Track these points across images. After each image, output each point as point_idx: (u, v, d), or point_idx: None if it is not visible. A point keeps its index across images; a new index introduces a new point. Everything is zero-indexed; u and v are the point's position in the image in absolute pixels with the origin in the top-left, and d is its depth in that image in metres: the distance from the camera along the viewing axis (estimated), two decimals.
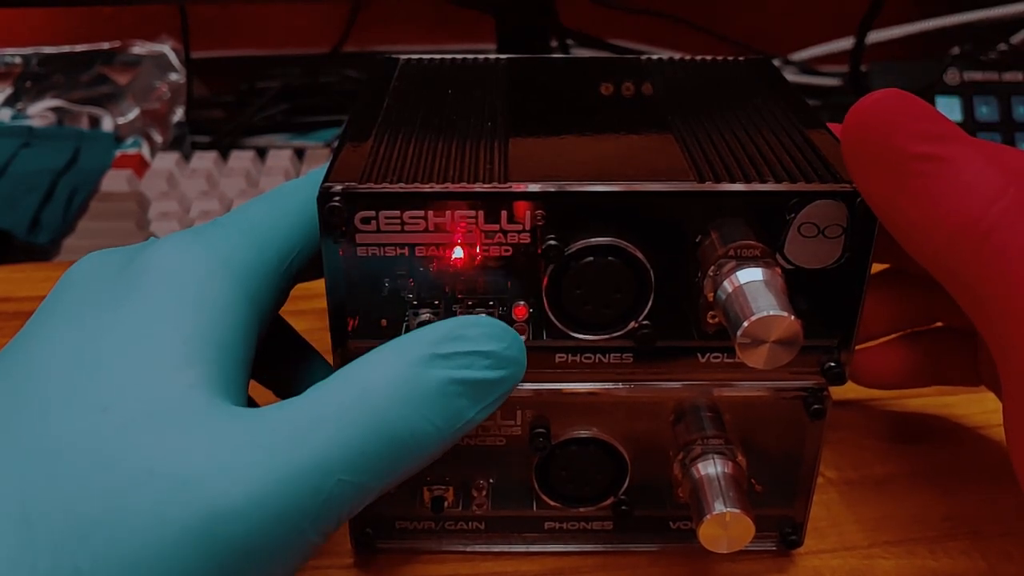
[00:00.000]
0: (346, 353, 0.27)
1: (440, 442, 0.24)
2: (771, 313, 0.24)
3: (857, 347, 0.35)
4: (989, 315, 0.23)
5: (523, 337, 0.27)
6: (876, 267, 0.35)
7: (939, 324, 0.35)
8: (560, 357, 0.28)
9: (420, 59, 0.35)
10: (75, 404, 0.22)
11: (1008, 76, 0.58)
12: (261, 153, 0.60)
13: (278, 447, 0.22)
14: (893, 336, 0.35)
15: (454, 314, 0.27)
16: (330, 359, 0.28)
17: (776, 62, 0.61)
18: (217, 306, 0.25)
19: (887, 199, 0.24)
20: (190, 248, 0.26)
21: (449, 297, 0.27)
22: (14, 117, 0.61)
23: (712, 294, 0.25)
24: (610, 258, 0.26)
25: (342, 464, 0.22)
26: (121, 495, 0.20)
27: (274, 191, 0.29)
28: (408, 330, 0.27)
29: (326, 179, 0.25)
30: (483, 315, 0.25)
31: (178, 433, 0.22)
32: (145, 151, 0.60)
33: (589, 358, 0.28)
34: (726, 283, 0.25)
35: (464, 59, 0.36)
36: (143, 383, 0.22)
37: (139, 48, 0.67)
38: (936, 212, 0.23)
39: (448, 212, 0.25)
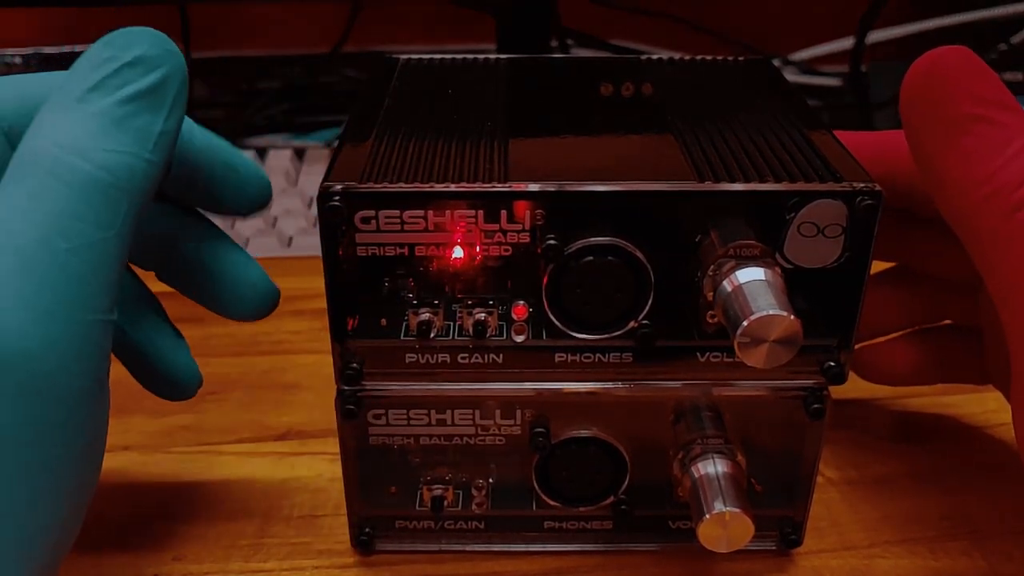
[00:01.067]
0: (346, 353, 0.27)
1: (151, 165, 0.23)
2: (771, 312, 0.24)
3: (866, 343, 0.35)
4: (1005, 285, 0.23)
5: (523, 337, 0.27)
6: (882, 265, 0.35)
7: (947, 322, 0.35)
8: (560, 357, 0.28)
9: (420, 59, 0.35)
10: None
11: (1008, 76, 0.58)
12: (261, 153, 0.60)
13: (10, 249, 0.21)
14: (902, 333, 0.35)
15: (454, 314, 0.27)
16: (328, 360, 0.28)
17: (776, 62, 0.61)
18: None
19: (934, 151, 0.25)
20: None
21: (449, 296, 0.27)
22: None
23: (712, 293, 0.25)
24: (610, 258, 0.26)
25: (70, 232, 0.21)
26: None
27: None
28: (408, 330, 0.27)
29: (326, 178, 0.25)
30: (113, 31, 0.24)
31: None
32: None
33: (589, 358, 0.28)
34: (726, 283, 0.25)
35: (464, 59, 0.36)
36: None
37: None
38: (977, 173, 0.24)
39: (448, 212, 0.25)
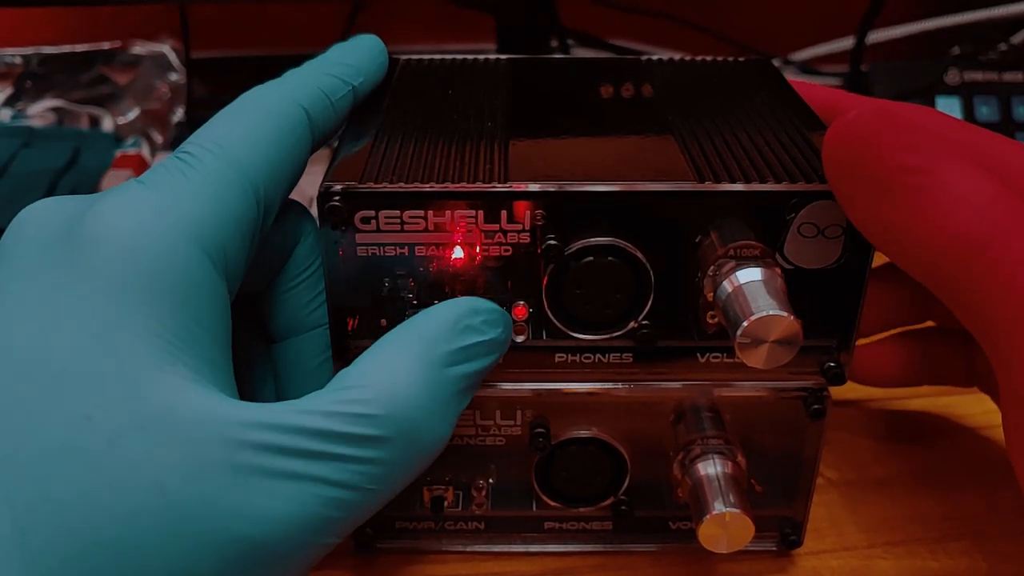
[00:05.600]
0: (346, 353, 0.27)
1: (447, 439, 0.24)
2: (770, 313, 0.24)
3: None
4: (988, 327, 0.23)
5: (523, 337, 0.27)
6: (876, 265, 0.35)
7: (931, 324, 0.35)
8: (560, 357, 0.28)
9: (420, 59, 0.35)
10: (54, 411, 0.20)
11: (1008, 76, 0.58)
12: None
13: (302, 467, 0.21)
14: (889, 334, 0.35)
15: None
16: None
17: (776, 62, 0.61)
18: (183, 282, 0.22)
19: (877, 215, 0.24)
20: (143, 209, 0.23)
21: (449, 297, 0.27)
22: (14, 117, 0.61)
23: (712, 294, 0.25)
24: (610, 258, 0.26)
25: (371, 487, 0.22)
26: (133, 518, 0.20)
27: (236, 105, 0.26)
28: None
29: (326, 178, 0.25)
30: (478, 299, 0.26)
31: (179, 447, 0.20)
32: (145, 151, 0.60)
33: (589, 358, 0.28)
34: (726, 283, 0.25)
35: (464, 59, 0.36)
36: (122, 386, 0.21)
37: (139, 48, 0.67)
38: (929, 226, 0.23)
39: (448, 212, 0.25)
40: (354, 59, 0.29)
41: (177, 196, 0.23)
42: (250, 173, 0.24)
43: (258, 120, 0.26)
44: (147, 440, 0.20)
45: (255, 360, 0.30)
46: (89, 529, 0.19)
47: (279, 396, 0.29)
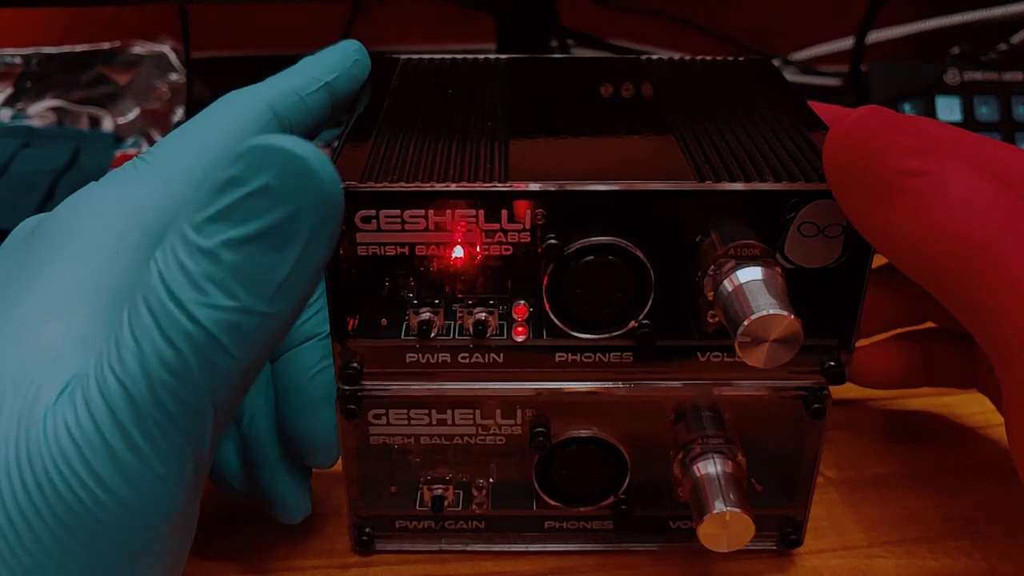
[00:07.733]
0: (346, 353, 0.27)
1: (266, 319, 0.20)
2: (771, 312, 0.24)
3: None
4: (990, 327, 0.23)
5: (523, 337, 0.27)
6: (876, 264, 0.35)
7: (931, 325, 0.35)
8: (560, 356, 0.28)
9: (420, 59, 0.35)
10: None
11: (1008, 76, 0.58)
12: None
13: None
14: (887, 335, 0.35)
15: (454, 314, 0.27)
16: None
17: (776, 62, 0.61)
18: (104, 251, 0.23)
19: (876, 217, 0.24)
20: (91, 199, 0.25)
21: (449, 296, 0.27)
22: (14, 117, 0.61)
23: (712, 293, 0.25)
24: (610, 257, 0.26)
25: (164, 390, 0.20)
26: None
27: (203, 111, 0.27)
28: (408, 330, 0.27)
29: None
30: (243, 144, 0.20)
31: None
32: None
33: (589, 357, 0.28)
34: (726, 282, 0.25)
35: (464, 59, 0.36)
36: (9, 339, 0.21)
37: (139, 48, 0.67)
38: (929, 227, 0.23)
39: (448, 211, 0.25)
40: (328, 59, 0.30)
41: (124, 186, 0.25)
42: (200, 166, 0.26)
43: (217, 118, 0.27)
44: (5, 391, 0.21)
45: None
46: None
47: (276, 410, 0.29)
